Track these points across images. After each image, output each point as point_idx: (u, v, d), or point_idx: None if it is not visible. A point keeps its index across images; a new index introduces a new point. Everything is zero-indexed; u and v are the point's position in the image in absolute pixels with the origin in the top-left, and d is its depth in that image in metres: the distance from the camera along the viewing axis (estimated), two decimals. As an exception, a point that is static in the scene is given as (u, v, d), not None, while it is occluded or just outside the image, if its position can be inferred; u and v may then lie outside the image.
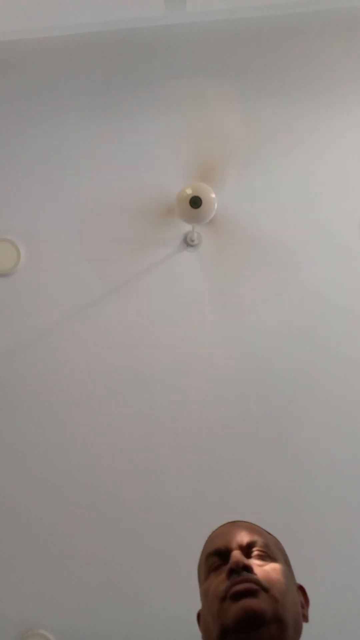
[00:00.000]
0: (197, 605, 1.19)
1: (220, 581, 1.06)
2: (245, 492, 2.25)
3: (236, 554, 1.07)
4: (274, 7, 2.48)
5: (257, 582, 1.02)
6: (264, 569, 1.06)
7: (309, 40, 2.51)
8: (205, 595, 1.10)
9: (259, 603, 0.99)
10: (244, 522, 1.21)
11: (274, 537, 1.21)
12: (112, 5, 2.44)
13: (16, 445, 2.36)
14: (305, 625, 1.14)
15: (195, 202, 2.22)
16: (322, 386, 2.32)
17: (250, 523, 1.21)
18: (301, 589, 1.17)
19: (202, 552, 1.19)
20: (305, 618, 1.12)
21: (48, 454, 2.34)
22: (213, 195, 2.25)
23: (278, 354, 2.35)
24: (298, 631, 1.06)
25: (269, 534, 1.21)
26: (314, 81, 2.50)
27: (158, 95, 2.52)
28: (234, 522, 1.21)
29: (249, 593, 1.00)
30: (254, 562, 1.08)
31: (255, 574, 1.04)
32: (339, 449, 2.27)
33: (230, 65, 2.52)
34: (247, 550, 1.11)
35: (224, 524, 1.21)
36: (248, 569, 1.04)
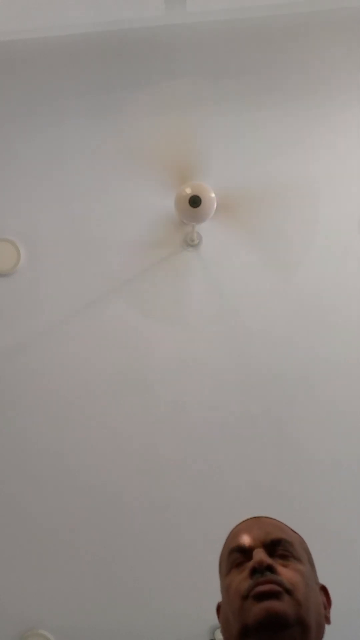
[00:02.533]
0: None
1: (242, 579, 1.04)
2: (245, 493, 2.25)
3: (259, 553, 1.05)
4: (274, 7, 2.48)
5: (280, 583, 1.00)
6: (287, 570, 1.04)
7: (309, 40, 2.51)
8: (226, 590, 1.08)
9: (282, 605, 0.98)
10: (269, 518, 1.18)
11: (298, 535, 1.18)
12: (112, 5, 2.44)
13: (16, 445, 2.36)
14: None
15: (195, 201, 2.22)
16: (322, 386, 2.32)
17: (275, 520, 1.18)
18: (323, 590, 1.14)
19: (225, 545, 1.17)
20: (327, 619, 1.09)
21: (48, 454, 2.34)
22: (212, 195, 2.25)
23: (278, 354, 2.35)
24: (320, 633, 1.04)
25: (294, 532, 1.18)
26: (313, 81, 2.50)
27: (158, 95, 2.52)
28: (258, 517, 1.18)
29: (272, 595, 0.98)
30: (278, 562, 1.05)
31: (279, 575, 1.02)
32: (339, 449, 2.27)
33: (230, 65, 2.52)
34: (270, 548, 1.08)
35: (248, 519, 1.18)
36: (271, 569, 1.02)
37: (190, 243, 2.43)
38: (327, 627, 1.06)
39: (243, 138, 2.46)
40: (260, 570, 1.02)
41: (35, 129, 2.55)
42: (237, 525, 1.18)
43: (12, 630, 2.24)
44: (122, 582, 2.25)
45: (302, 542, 1.18)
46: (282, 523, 1.17)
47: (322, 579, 2.10)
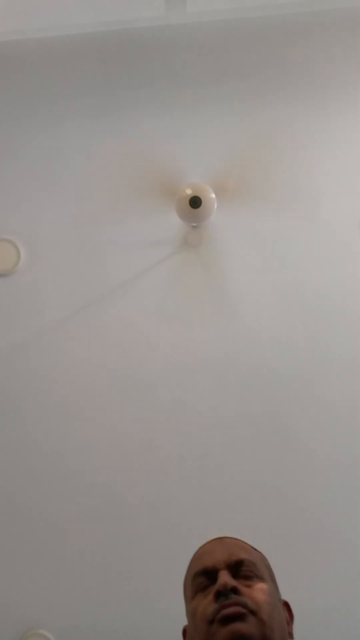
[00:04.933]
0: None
1: (207, 603, 1.05)
2: (245, 493, 2.25)
3: (224, 576, 1.06)
4: (274, 7, 2.48)
5: (244, 605, 1.01)
6: (251, 590, 1.06)
7: (309, 40, 2.51)
8: (192, 615, 1.09)
9: (247, 627, 0.99)
10: (230, 538, 1.19)
11: (260, 553, 1.20)
12: (112, 5, 2.44)
13: (16, 446, 2.36)
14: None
15: (195, 202, 2.22)
16: (322, 387, 2.32)
17: (237, 539, 1.19)
18: (286, 605, 1.16)
19: (189, 569, 1.18)
20: (291, 635, 1.12)
21: (48, 454, 2.34)
22: (213, 195, 2.26)
23: (278, 354, 2.35)
24: None
25: (255, 550, 1.20)
26: (314, 81, 2.50)
27: (158, 95, 2.52)
28: (220, 538, 1.20)
29: (237, 617, 1.00)
30: (241, 583, 1.07)
31: (243, 596, 1.03)
32: (339, 449, 2.27)
33: (230, 65, 2.52)
34: (234, 569, 1.10)
35: (210, 541, 1.20)
36: (236, 591, 1.04)
37: (191, 243, 2.43)
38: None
39: (243, 138, 2.46)
40: (224, 593, 1.03)
41: (35, 129, 2.55)
42: (199, 548, 1.20)
43: (12, 630, 2.24)
44: (122, 582, 2.25)
45: (264, 559, 1.19)
46: (243, 542, 1.19)
47: (321, 579, 2.12)
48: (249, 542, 1.21)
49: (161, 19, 2.49)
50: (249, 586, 1.07)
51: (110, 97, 2.54)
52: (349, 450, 2.27)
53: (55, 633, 2.24)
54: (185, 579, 1.19)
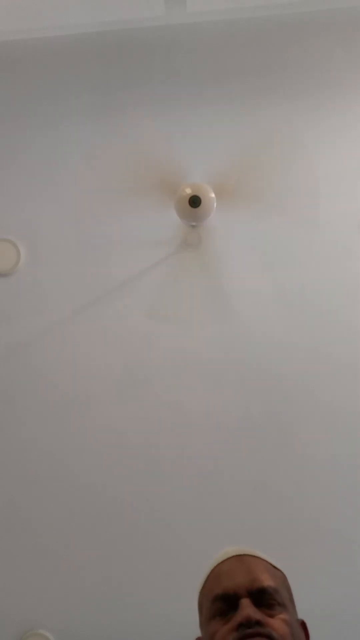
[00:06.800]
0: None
1: (228, 630, 1.02)
2: (246, 494, 2.25)
3: (247, 607, 1.03)
4: (274, 7, 2.48)
5: (269, 635, 0.99)
6: (274, 621, 1.03)
7: (309, 40, 2.51)
8: (210, 637, 1.06)
9: None
10: (251, 557, 1.14)
11: (280, 572, 1.16)
12: (112, 5, 2.44)
13: (15, 446, 2.36)
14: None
15: (195, 201, 2.23)
16: (322, 387, 2.31)
17: (257, 558, 1.15)
18: (303, 625, 1.14)
19: (206, 588, 1.14)
20: None
21: (47, 454, 2.34)
22: (212, 195, 2.26)
23: (278, 354, 2.35)
24: None
25: (276, 569, 1.16)
26: (314, 81, 2.50)
27: (158, 95, 2.52)
28: (240, 556, 1.14)
29: None
30: (264, 612, 1.04)
31: (267, 627, 1.00)
32: (339, 449, 2.27)
33: (230, 65, 2.52)
34: (256, 597, 1.06)
35: (230, 558, 1.14)
36: (259, 624, 1.01)
37: (190, 243, 2.43)
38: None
39: (243, 138, 2.46)
40: (247, 625, 1.00)
41: (35, 128, 2.55)
42: (218, 565, 1.15)
43: (11, 631, 2.24)
44: (122, 582, 2.25)
45: (284, 579, 1.16)
46: (264, 561, 1.14)
47: (322, 580, 2.11)
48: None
49: (161, 19, 2.50)
50: (271, 616, 1.04)
51: (110, 97, 2.54)
52: (349, 451, 2.27)
53: (55, 633, 2.24)
54: (202, 597, 1.15)
